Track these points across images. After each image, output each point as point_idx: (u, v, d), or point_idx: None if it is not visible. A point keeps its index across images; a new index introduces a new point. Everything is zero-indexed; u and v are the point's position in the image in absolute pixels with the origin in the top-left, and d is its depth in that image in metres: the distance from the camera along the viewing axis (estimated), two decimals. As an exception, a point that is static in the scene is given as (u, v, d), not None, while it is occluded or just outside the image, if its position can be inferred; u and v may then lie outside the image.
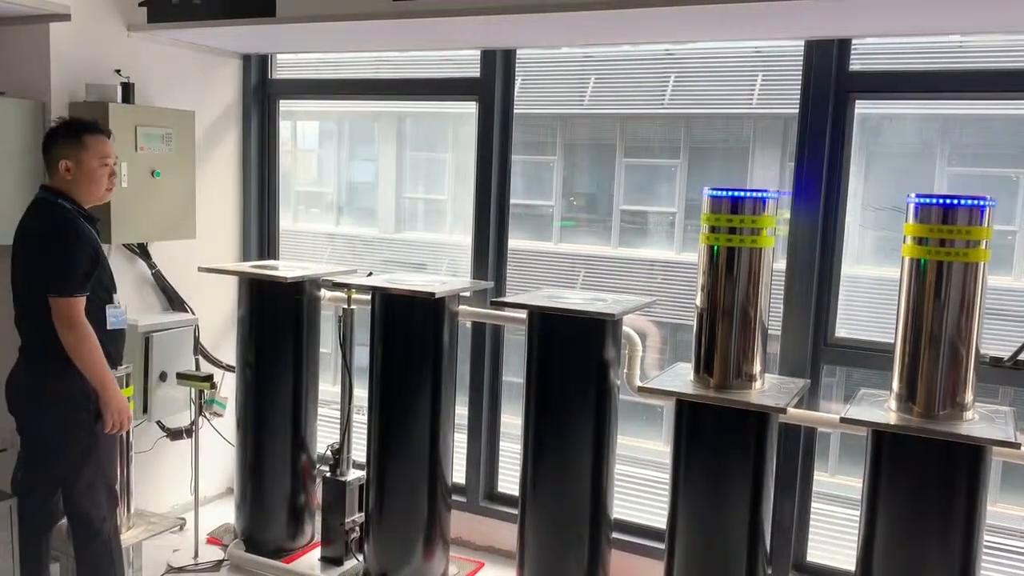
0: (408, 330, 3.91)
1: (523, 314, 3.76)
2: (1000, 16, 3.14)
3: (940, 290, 2.92)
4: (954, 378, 2.94)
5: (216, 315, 4.76)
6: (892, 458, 3.01)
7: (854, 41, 3.55)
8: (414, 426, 3.92)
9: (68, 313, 3.02)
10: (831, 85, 3.57)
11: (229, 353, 4.67)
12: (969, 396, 2.97)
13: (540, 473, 3.69)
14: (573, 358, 3.58)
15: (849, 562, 3.68)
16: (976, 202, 2.86)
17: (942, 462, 2.92)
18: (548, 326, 3.59)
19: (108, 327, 3.24)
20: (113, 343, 3.28)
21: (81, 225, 3.13)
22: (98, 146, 3.19)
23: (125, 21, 4.14)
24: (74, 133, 3.15)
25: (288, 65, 4.94)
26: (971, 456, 2.89)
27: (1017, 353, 3.18)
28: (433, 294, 3.70)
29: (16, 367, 3.24)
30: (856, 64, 3.57)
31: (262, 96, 4.90)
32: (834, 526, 3.91)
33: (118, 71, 4.08)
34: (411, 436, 3.92)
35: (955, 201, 2.88)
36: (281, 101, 4.93)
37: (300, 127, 5.45)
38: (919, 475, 2.96)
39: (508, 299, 3.75)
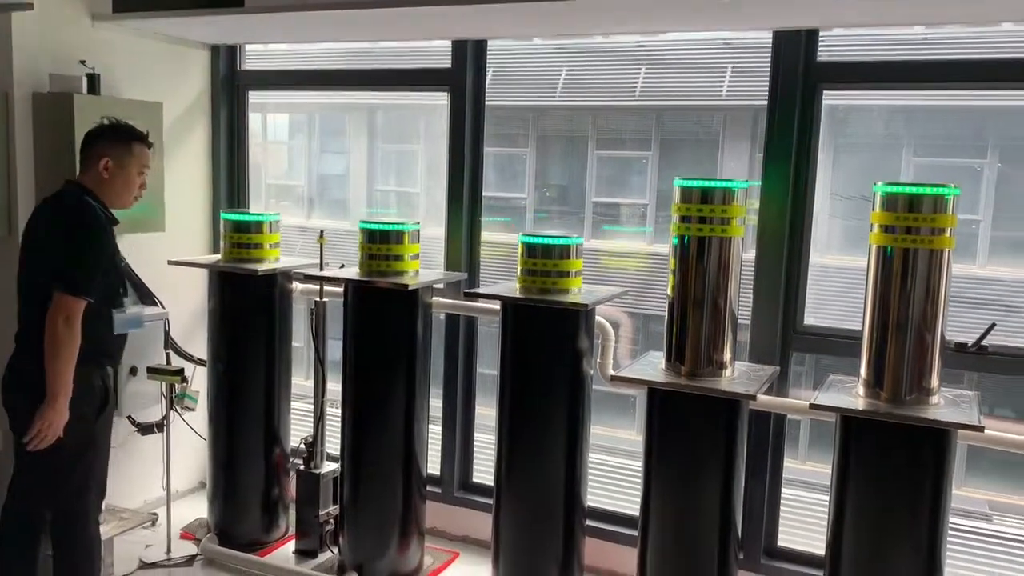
0: (382, 322, 3.90)
1: (496, 305, 3.78)
2: (964, 8, 3.19)
3: (906, 277, 2.96)
4: (920, 364, 2.99)
5: (185, 309, 4.71)
6: (860, 443, 3.06)
7: (821, 32, 3.58)
8: (389, 418, 3.91)
9: (70, 312, 2.96)
10: (799, 75, 3.60)
11: (199, 347, 4.63)
12: (935, 381, 3.02)
13: (515, 462, 3.71)
14: (547, 348, 3.60)
15: (820, 547, 3.75)
16: (941, 190, 2.91)
17: (909, 446, 2.98)
18: (522, 316, 3.60)
19: (116, 331, 3.22)
20: (117, 346, 3.30)
21: (108, 228, 3.14)
22: (143, 156, 3.27)
23: (89, 10, 4.08)
24: (124, 138, 3.22)
25: (258, 56, 4.89)
26: (937, 440, 2.95)
27: (981, 339, 3.25)
28: (407, 286, 3.70)
29: (17, 360, 3.16)
30: (824, 55, 3.60)
31: (231, 87, 4.85)
32: (805, 512, 3.96)
33: (83, 62, 4.01)
34: (386, 428, 3.92)
35: (921, 189, 2.93)
36: (251, 93, 4.88)
37: (271, 119, 5.40)
38: (887, 459, 3.01)
39: (481, 290, 3.74)
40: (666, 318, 3.39)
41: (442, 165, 4.40)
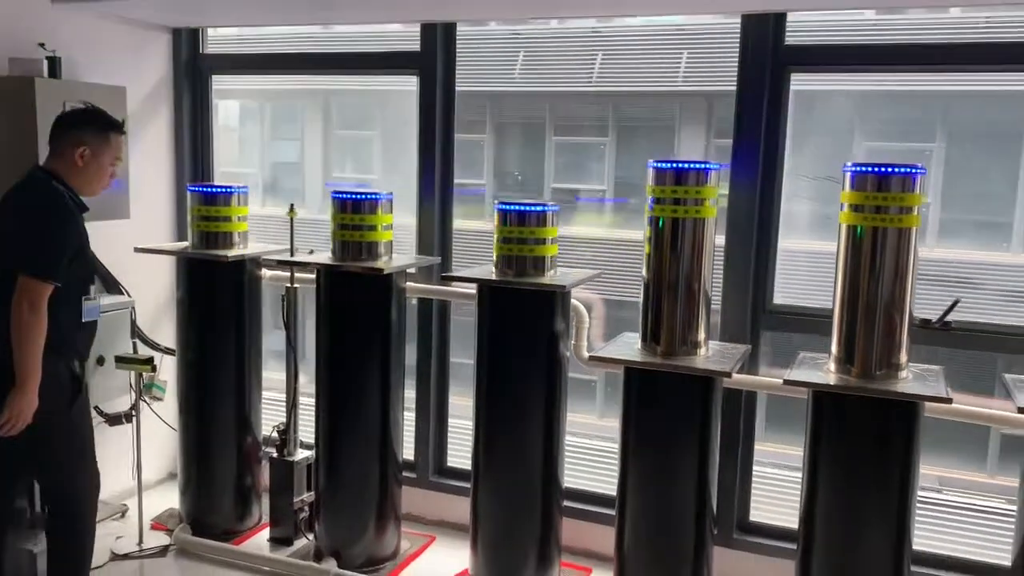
0: (356, 307, 3.88)
1: (471, 289, 3.79)
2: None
3: (875, 254, 3.04)
4: (889, 340, 3.07)
5: (151, 297, 4.64)
6: (832, 417, 3.14)
7: (789, 15, 3.64)
8: (365, 404, 3.91)
9: (35, 296, 2.89)
10: (768, 58, 3.66)
11: (165, 336, 4.58)
12: (903, 357, 3.11)
13: (493, 445, 3.73)
14: (524, 330, 3.62)
15: (785, 520, 3.86)
16: (909, 170, 2.99)
17: (879, 419, 3.07)
18: (500, 299, 3.62)
19: (83, 319, 3.15)
20: (85, 336, 3.22)
21: (77, 214, 3.07)
22: (119, 145, 3.22)
23: (47, -9, 3.98)
24: (102, 127, 3.14)
25: (222, 40, 4.81)
26: (906, 412, 3.04)
27: (945, 315, 3.34)
28: (382, 270, 3.69)
29: None
30: (792, 38, 3.66)
31: (194, 71, 4.77)
32: (768, 488, 4.06)
33: (42, 44, 3.91)
34: (362, 414, 3.91)
35: (889, 169, 3.00)
36: (214, 77, 4.80)
37: (222, 105, 5.27)
38: (858, 432, 3.10)
39: (459, 273, 3.74)
40: (641, 299, 3.43)
41: (400, 152, 4.36)
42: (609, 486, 4.17)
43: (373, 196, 3.80)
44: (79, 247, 3.10)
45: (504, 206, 3.59)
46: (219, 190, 4.15)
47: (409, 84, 4.39)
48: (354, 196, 3.80)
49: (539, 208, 3.58)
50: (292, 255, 4.02)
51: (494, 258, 3.66)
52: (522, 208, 3.57)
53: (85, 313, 3.17)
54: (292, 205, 4.03)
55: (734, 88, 3.75)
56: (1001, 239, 3.84)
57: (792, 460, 3.95)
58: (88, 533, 3.30)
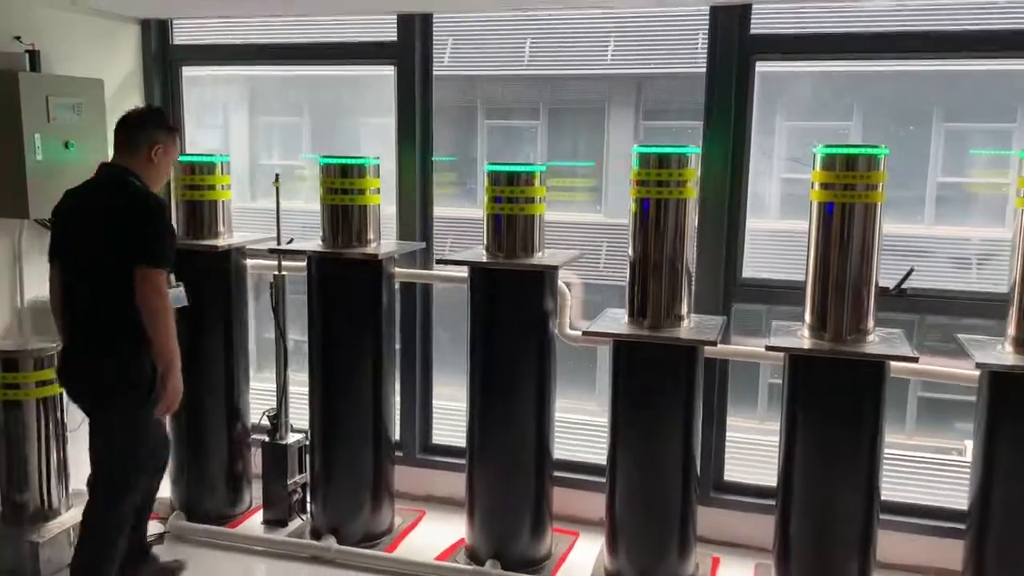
0: (349, 293, 3.99)
1: (457, 272, 3.94)
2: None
3: (844, 229, 3.31)
4: (858, 307, 3.36)
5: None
6: (808, 379, 3.42)
7: (754, 6, 3.88)
8: (358, 386, 4.03)
9: (158, 283, 3.10)
10: (735, 47, 3.89)
11: None
12: (871, 322, 3.40)
13: (487, 420, 3.89)
14: (516, 310, 3.79)
15: (755, 478, 4.16)
16: (874, 150, 3.26)
17: (850, 379, 3.36)
18: (491, 280, 3.78)
19: (174, 305, 3.34)
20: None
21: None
22: (178, 143, 3.46)
23: (21, -15, 3.96)
24: (171, 128, 3.40)
25: (193, 30, 4.80)
26: (875, 372, 3.34)
27: (901, 283, 3.64)
28: (376, 255, 3.81)
29: (75, 349, 3.25)
30: (756, 28, 3.90)
31: (163, 62, 4.77)
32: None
33: (18, 38, 3.90)
34: (355, 396, 4.04)
35: (856, 149, 3.27)
36: (185, 68, 4.81)
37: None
38: (831, 392, 3.38)
39: (452, 257, 3.89)
40: (628, 276, 3.64)
41: (329, 137, 4.40)
42: (591, 455, 4.43)
43: (361, 160, 3.91)
44: (175, 234, 3.37)
45: (494, 167, 3.73)
46: (203, 159, 4.20)
47: (341, 70, 4.50)
48: (343, 160, 3.91)
49: (528, 169, 3.72)
50: (279, 244, 4.11)
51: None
52: (512, 169, 3.72)
53: (174, 300, 3.36)
54: (277, 175, 4.12)
55: (661, 71, 4.03)
56: (915, 212, 4.18)
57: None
58: (114, 528, 3.33)
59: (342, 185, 3.90)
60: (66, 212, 3.25)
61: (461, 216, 4.64)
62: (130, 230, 3.12)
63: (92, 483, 3.30)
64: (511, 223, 3.73)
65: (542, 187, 3.77)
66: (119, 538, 3.33)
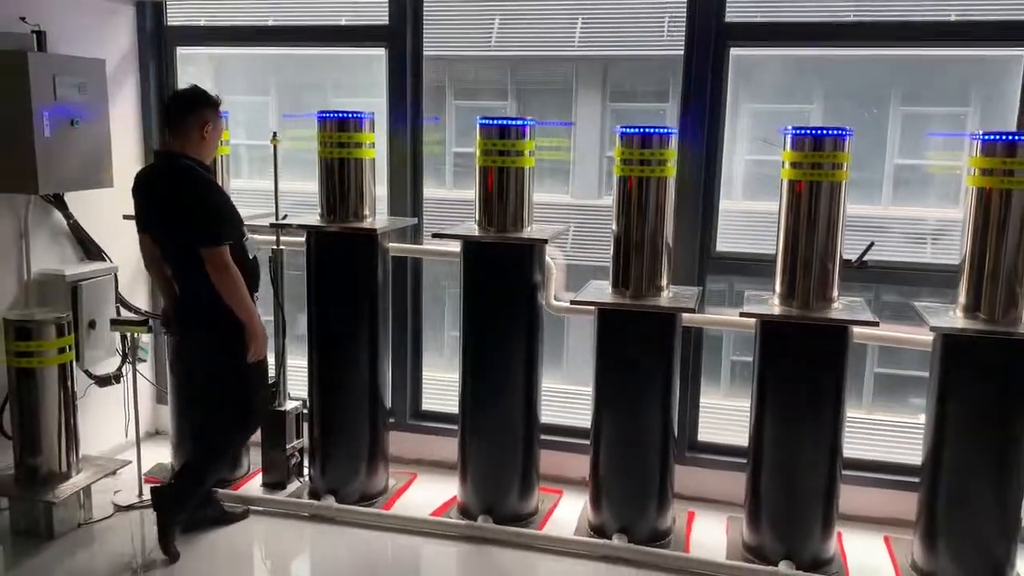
0: (345, 266, 4.19)
1: (445, 247, 4.21)
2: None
3: (812, 205, 3.59)
4: (824, 277, 3.65)
5: (125, 264, 4.79)
6: (778, 344, 3.71)
7: (729, -4, 4.13)
8: (355, 356, 4.24)
9: (221, 259, 3.48)
10: (711, 34, 4.14)
11: (140, 300, 4.82)
12: (835, 292, 3.69)
13: (479, 387, 4.13)
14: (507, 281, 4.01)
15: (725, 438, 4.46)
16: (839, 132, 3.54)
17: (817, 344, 3.65)
18: (483, 254, 4.00)
19: (250, 256, 3.70)
20: (254, 274, 3.70)
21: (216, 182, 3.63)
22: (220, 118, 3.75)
23: (22, -34, 4.07)
24: (215, 104, 3.65)
25: (187, 11, 4.92)
26: (839, 336, 3.63)
27: (862, 256, 3.92)
28: (375, 230, 4.02)
29: (180, 296, 3.75)
30: (731, 16, 4.16)
31: (158, 43, 4.90)
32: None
33: (23, 18, 4.01)
34: (353, 365, 4.25)
35: (824, 131, 3.55)
36: (179, 49, 4.94)
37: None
38: (800, 355, 3.68)
39: (447, 232, 4.09)
40: (612, 250, 3.89)
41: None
42: (569, 418, 4.69)
43: (358, 115, 4.09)
44: (230, 204, 3.68)
45: (486, 121, 3.91)
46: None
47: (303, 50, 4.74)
48: (340, 115, 4.07)
49: (519, 122, 3.92)
50: (277, 218, 4.30)
51: (476, 168, 3.96)
52: (503, 123, 3.91)
53: (249, 250, 3.71)
54: (275, 133, 4.32)
55: (629, 53, 4.32)
56: (872, 194, 4.45)
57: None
58: (211, 470, 3.87)
59: (340, 139, 4.07)
60: (139, 193, 3.66)
61: (429, 196, 4.77)
62: (189, 215, 3.52)
63: (206, 417, 3.92)
64: (502, 195, 3.92)
65: (531, 141, 3.94)
66: (225, 457, 3.97)
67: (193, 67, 5.07)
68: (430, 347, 4.97)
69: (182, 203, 3.55)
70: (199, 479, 3.82)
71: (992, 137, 3.38)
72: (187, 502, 3.79)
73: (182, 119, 3.57)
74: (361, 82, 5.07)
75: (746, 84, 4.43)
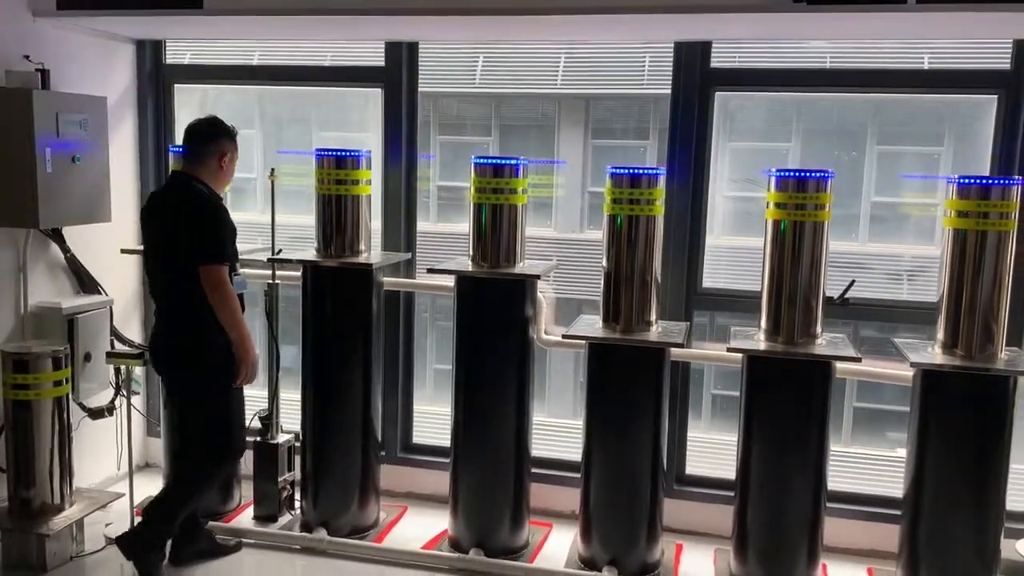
0: (341, 300, 4.27)
1: (438, 282, 4.27)
2: (825, 28, 4.00)
3: (796, 244, 3.72)
4: (808, 314, 3.76)
5: (121, 296, 4.84)
6: (764, 378, 3.81)
7: (714, 44, 4.29)
8: (349, 389, 4.30)
9: (220, 276, 3.53)
10: (696, 79, 4.30)
11: (133, 334, 4.87)
12: (819, 328, 3.81)
13: (471, 420, 4.19)
14: (499, 316, 4.10)
15: (712, 472, 4.54)
16: (822, 174, 3.68)
17: (801, 379, 3.76)
18: (476, 288, 4.10)
19: (237, 293, 3.71)
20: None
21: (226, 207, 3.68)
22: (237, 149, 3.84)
23: (29, 6, 4.16)
24: (232, 136, 3.78)
25: (186, 50, 5.02)
26: (823, 371, 3.74)
27: (844, 292, 4.05)
28: (371, 265, 4.11)
29: (159, 331, 3.76)
30: (716, 62, 4.32)
31: (156, 81, 4.99)
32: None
33: (27, 57, 4.10)
34: (346, 399, 4.31)
35: (806, 173, 3.69)
36: (176, 86, 5.04)
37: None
38: (785, 389, 3.78)
39: (440, 267, 4.18)
40: (603, 286, 4.00)
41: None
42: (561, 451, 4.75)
43: (355, 153, 4.19)
44: (234, 233, 3.73)
45: (481, 160, 4.03)
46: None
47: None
48: (338, 153, 4.19)
49: (513, 162, 4.03)
50: (273, 253, 4.37)
51: (470, 204, 4.06)
52: (498, 162, 4.03)
53: (236, 287, 3.72)
54: (273, 169, 4.41)
55: (611, 91, 4.54)
56: (850, 230, 4.57)
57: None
58: (193, 491, 3.83)
59: (337, 176, 4.17)
60: (146, 213, 3.75)
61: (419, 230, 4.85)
62: (193, 232, 3.54)
63: (181, 451, 3.99)
64: (495, 231, 4.02)
65: (524, 179, 4.06)
66: (199, 493, 3.87)
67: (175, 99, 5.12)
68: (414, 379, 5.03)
69: (189, 218, 3.59)
70: (169, 516, 3.79)
71: (967, 181, 3.53)
72: (158, 541, 3.79)
73: (202, 148, 3.68)
74: (346, 118, 5.19)
75: (728, 123, 4.58)
